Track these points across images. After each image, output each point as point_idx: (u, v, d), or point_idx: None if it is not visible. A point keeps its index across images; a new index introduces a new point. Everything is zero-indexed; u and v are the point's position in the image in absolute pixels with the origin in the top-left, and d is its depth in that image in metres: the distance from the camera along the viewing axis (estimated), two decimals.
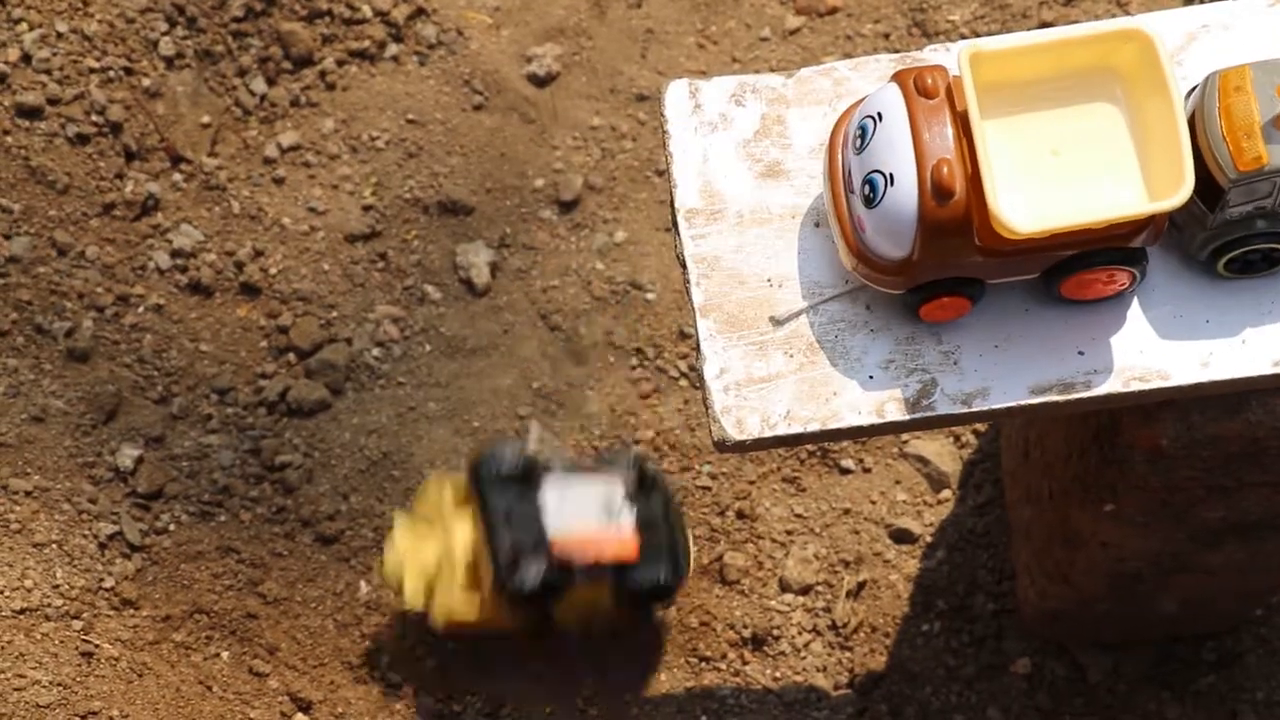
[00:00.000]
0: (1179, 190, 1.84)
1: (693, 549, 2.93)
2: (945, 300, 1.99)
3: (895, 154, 1.91)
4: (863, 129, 1.95)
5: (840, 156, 2.00)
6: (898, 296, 2.02)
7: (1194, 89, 1.98)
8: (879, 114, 1.94)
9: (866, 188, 1.93)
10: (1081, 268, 1.95)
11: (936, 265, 1.94)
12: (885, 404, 2.03)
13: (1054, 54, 1.92)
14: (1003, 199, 1.85)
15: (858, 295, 2.05)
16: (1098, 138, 1.93)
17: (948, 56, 2.12)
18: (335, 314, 3.21)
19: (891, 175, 1.90)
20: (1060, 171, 1.92)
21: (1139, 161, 1.92)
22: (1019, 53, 1.91)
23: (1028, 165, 1.92)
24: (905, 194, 1.90)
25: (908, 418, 2.02)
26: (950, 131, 1.89)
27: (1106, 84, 1.94)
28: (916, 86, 1.92)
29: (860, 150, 1.95)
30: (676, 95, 2.15)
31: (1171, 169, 1.86)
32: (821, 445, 3.14)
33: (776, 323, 2.06)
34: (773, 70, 3.32)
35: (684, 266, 2.10)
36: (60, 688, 2.88)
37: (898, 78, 1.94)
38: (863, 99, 2.02)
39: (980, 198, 1.86)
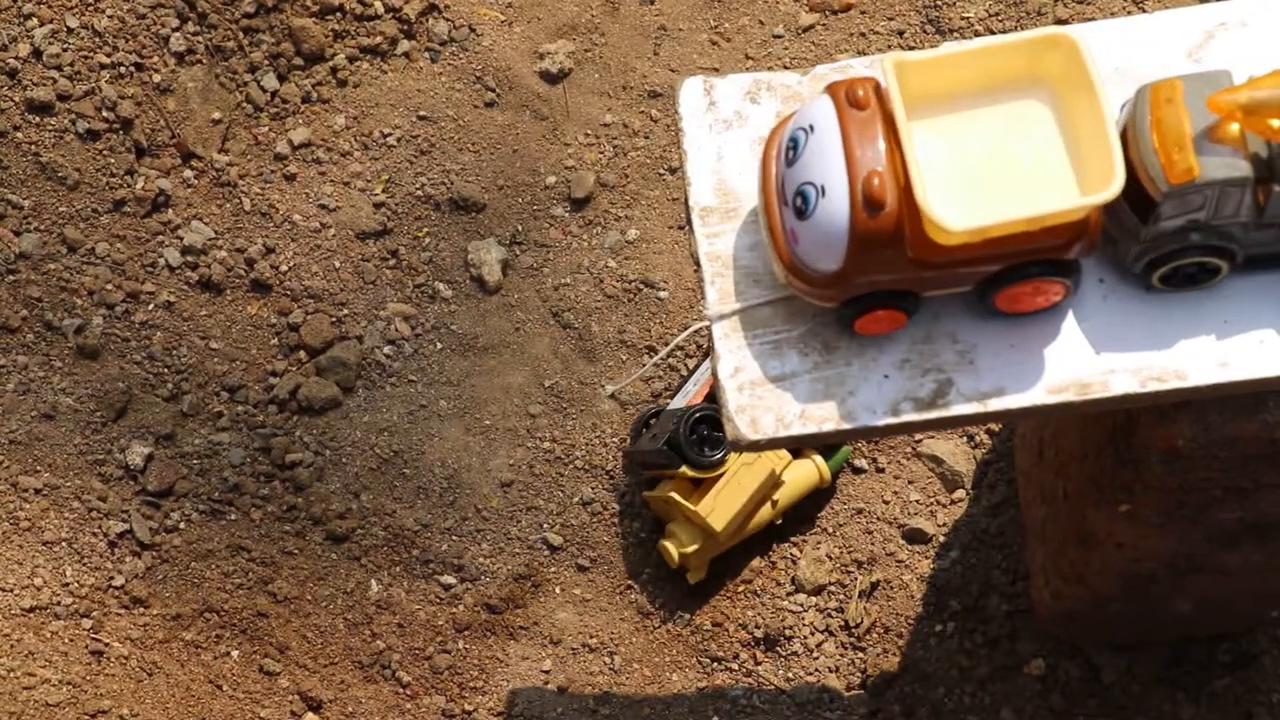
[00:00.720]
0: (1109, 186, 1.83)
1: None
2: (880, 313, 1.98)
3: (827, 166, 1.90)
4: (795, 141, 1.95)
5: (774, 168, 1.99)
6: (832, 310, 2.01)
7: (1127, 102, 1.98)
8: (811, 126, 1.93)
9: (799, 199, 1.93)
10: (1015, 280, 1.94)
11: (869, 278, 1.94)
12: (900, 403, 2.02)
13: (982, 62, 1.92)
14: (934, 199, 1.84)
15: None
16: (1029, 141, 1.94)
17: None
18: (346, 311, 3.21)
19: (823, 187, 1.90)
20: (993, 174, 1.92)
21: (1071, 162, 1.92)
22: (946, 62, 1.91)
23: (961, 168, 1.92)
24: (837, 206, 1.89)
25: (923, 417, 2.02)
26: (882, 144, 1.89)
27: (1036, 89, 1.94)
28: (848, 98, 1.92)
29: (792, 162, 1.94)
30: (691, 92, 2.15)
31: (1102, 167, 1.85)
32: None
33: (711, 320, 2.05)
34: (786, 68, 3.31)
35: (698, 265, 2.09)
36: (70, 686, 2.88)
37: (830, 89, 1.94)
38: (795, 110, 2.01)
39: (913, 209, 1.86)
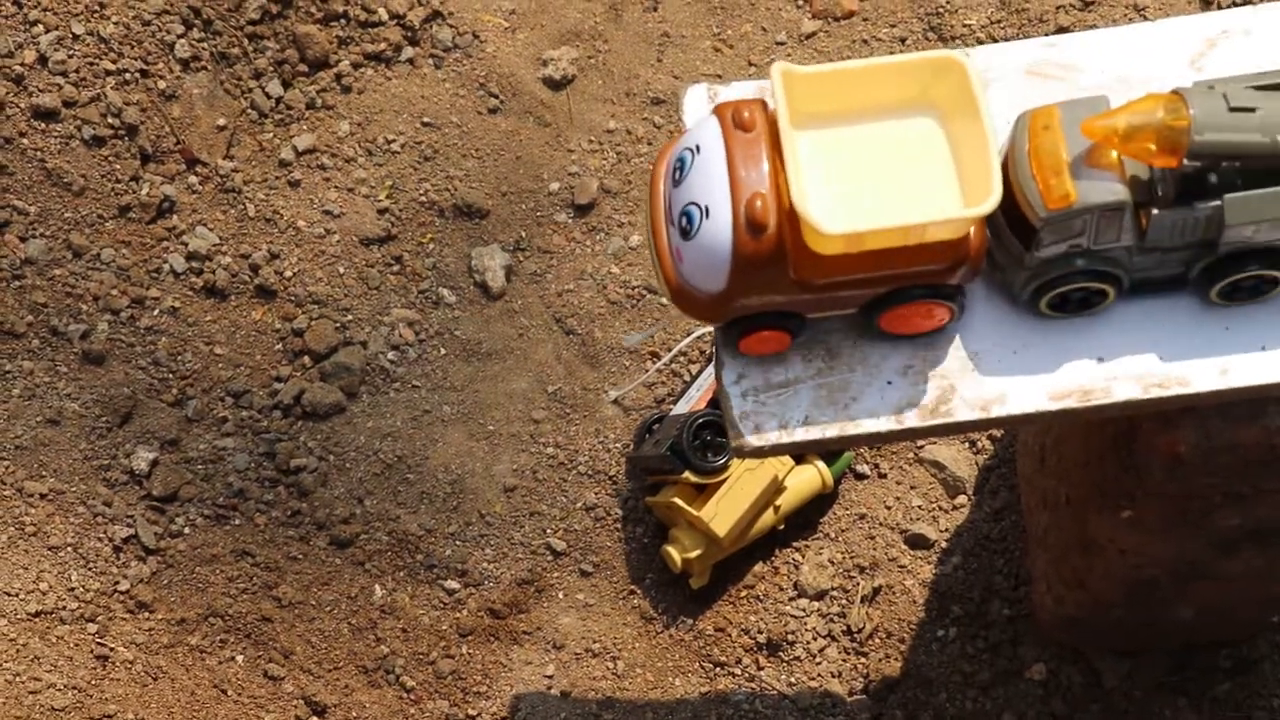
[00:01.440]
0: (987, 199, 1.83)
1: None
2: (765, 334, 1.99)
3: (711, 187, 1.91)
4: (681, 161, 1.96)
5: (661, 187, 2.00)
6: (719, 331, 2.02)
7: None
8: (697, 146, 1.94)
9: (684, 219, 1.94)
10: (898, 303, 1.95)
11: (752, 299, 1.95)
12: (904, 410, 2.02)
13: (874, 80, 1.93)
14: (813, 203, 1.85)
15: None
16: (918, 159, 1.94)
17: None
18: (350, 317, 3.21)
19: (707, 208, 1.91)
20: (877, 188, 1.93)
21: (957, 182, 1.93)
22: (836, 77, 1.92)
23: (845, 181, 1.93)
24: (720, 227, 1.90)
25: (926, 424, 2.02)
26: (766, 166, 1.90)
27: (925, 109, 1.95)
28: (734, 120, 1.92)
29: (679, 182, 1.95)
30: (694, 99, 2.15)
31: (982, 183, 1.86)
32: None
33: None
34: None
35: None
36: (75, 691, 2.89)
37: (718, 110, 1.95)
38: (686, 130, 2.02)
39: (795, 231, 1.86)
